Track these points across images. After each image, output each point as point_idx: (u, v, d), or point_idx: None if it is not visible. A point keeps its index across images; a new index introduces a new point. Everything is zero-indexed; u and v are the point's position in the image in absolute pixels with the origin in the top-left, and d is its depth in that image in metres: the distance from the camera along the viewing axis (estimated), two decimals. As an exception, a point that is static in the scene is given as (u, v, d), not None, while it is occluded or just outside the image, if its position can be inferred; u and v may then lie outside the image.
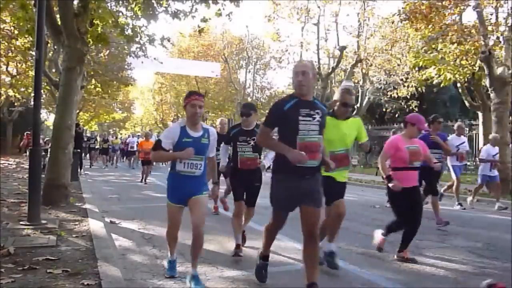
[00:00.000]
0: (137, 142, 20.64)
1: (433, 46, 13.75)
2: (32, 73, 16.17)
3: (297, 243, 5.35)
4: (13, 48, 17.40)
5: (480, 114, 16.29)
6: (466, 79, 15.71)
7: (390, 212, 8.14)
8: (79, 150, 13.43)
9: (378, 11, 24.66)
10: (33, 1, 8.18)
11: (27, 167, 6.85)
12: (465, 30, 13.25)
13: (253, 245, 5.24)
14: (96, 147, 21.94)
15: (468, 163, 16.14)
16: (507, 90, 12.25)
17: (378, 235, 5.00)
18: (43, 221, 5.84)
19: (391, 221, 4.94)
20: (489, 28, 13.02)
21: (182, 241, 5.43)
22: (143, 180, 13.47)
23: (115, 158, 23.51)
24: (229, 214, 7.68)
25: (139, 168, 19.54)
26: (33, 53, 7.46)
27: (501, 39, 13.29)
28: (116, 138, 25.96)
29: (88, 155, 22.50)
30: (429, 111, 17.24)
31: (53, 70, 15.29)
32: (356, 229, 6.52)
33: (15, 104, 25.29)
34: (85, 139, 21.00)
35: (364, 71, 22.30)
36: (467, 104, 17.31)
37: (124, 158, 24.78)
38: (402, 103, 22.59)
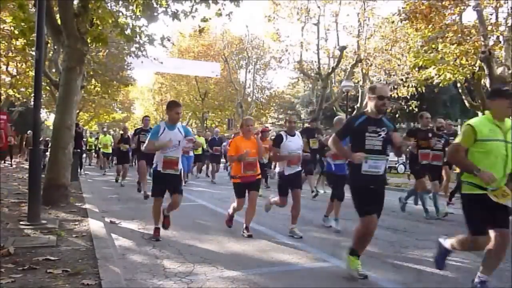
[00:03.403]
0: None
1: (433, 46, 13.73)
2: (32, 73, 16.17)
3: (297, 243, 5.35)
4: (13, 48, 17.40)
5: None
6: (466, 79, 15.71)
7: (391, 212, 8.14)
8: (79, 150, 13.36)
9: (378, 11, 24.60)
10: (32, 1, 8.17)
11: (27, 167, 6.84)
12: (465, 30, 13.24)
13: (252, 244, 5.25)
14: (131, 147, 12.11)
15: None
16: (507, 90, 12.23)
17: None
18: (43, 221, 5.83)
19: None
20: (489, 28, 13.00)
21: (182, 241, 5.44)
22: (245, 230, 5.78)
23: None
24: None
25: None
26: (32, 52, 7.45)
27: (501, 39, 13.28)
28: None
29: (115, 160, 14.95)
30: (429, 111, 17.10)
31: (53, 70, 15.28)
32: (356, 229, 6.50)
33: (15, 104, 25.28)
34: (126, 137, 12.84)
35: (364, 71, 22.27)
36: (467, 104, 17.29)
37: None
38: (402, 103, 22.58)
